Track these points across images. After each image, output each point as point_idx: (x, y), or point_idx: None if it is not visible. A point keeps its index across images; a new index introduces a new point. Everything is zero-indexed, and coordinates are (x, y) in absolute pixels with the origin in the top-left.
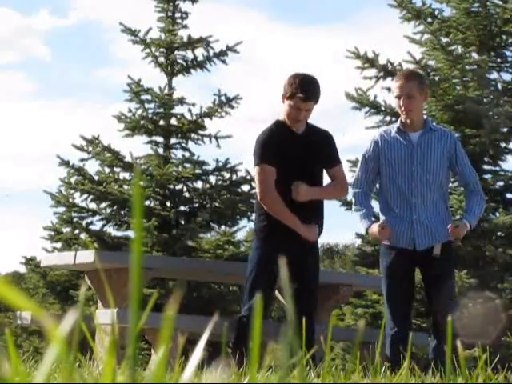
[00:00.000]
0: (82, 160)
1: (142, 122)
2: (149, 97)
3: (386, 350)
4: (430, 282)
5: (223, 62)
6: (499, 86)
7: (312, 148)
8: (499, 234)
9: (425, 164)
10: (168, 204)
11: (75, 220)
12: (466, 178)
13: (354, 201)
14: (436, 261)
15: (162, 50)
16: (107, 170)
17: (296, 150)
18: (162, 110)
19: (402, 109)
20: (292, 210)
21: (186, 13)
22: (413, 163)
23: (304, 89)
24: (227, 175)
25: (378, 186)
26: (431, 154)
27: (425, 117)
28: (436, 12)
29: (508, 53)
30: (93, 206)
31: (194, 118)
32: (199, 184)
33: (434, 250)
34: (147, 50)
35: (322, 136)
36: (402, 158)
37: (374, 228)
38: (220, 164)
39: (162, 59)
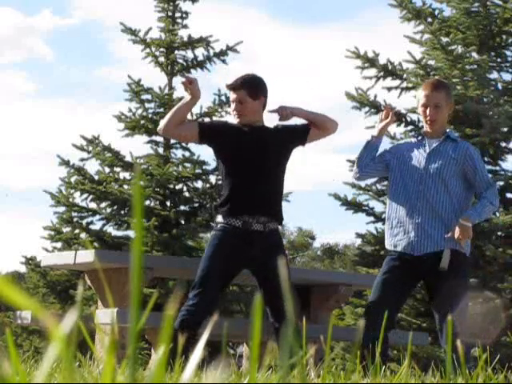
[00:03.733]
0: (82, 160)
1: (142, 121)
2: (149, 96)
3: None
4: (436, 296)
5: (223, 61)
6: (499, 85)
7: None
8: (499, 233)
9: (436, 170)
10: (168, 204)
11: (75, 220)
12: (478, 190)
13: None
14: (443, 273)
15: (162, 49)
16: (107, 169)
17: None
18: (162, 109)
19: (428, 118)
20: (247, 200)
21: (186, 12)
22: (424, 168)
23: (230, 81)
24: None
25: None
26: (444, 161)
27: (448, 130)
28: (436, 12)
29: (508, 52)
30: (93, 205)
31: (194, 117)
32: (199, 184)
33: (441, 263)
34: (147, 50)
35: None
36: (415, 160)
37: (378, 124)
38: None
39: (162, 59)
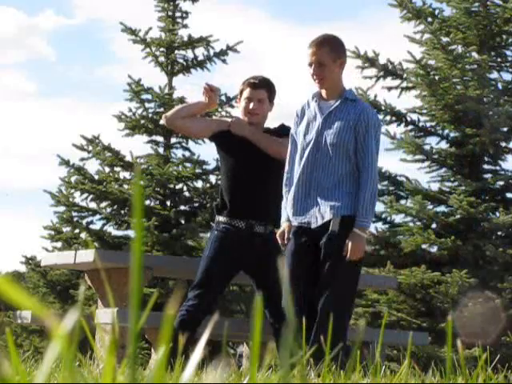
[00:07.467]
0: (82, 159)
1: (142, 121)
2: (149, 96)
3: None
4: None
5: (223, 61)
6: (499, 85)
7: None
8: (499, 233)
9: (330, 135)
10: (168, 203)
11: (75, 219)
12: (358, 162)
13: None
14: (330, 239)
15: (162, 49)
16: (107, 169)
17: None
18: (162, 109)
19: (314, 77)
20: (240, 204)
21: (187, 12)
22: (319, 133)
23: (252, 79)
24: None
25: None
26: (338, 124)
27: (347, 87)
28: (436, 11)
29: (508, 52)
30: (93, 205)
31: None
32: (199, 183)
33: (331, 226)
34: (147, 50)
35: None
36: (310, 128)
37: (284, 227)
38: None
39: (162, 59)
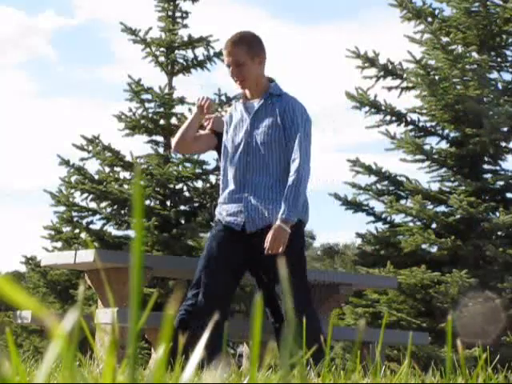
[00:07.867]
0: (83, 159)
1: (142, 121)
2: (149, 96)
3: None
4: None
5: (223, 61)
6: (499, 85)
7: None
8: (499, 233)
9: (259, 134)
10: (168, 203)
11: (75, 219)
12: (292, 155)
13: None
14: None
15: (162, 49)
16: (107, 169)
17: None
18: (162, 109)
19: (234, 78)
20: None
21: (187, 12)
22: (248, 134)
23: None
24: None
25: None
26: (266, 122)
27: (273, 83)
28: (436, 11)
29: (508, 52)
30: (93, 205)
31: None
32: (199, 183)
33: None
34: (147, 50)
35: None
36: (238, 130)
37: None
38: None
39: (162, 58)
